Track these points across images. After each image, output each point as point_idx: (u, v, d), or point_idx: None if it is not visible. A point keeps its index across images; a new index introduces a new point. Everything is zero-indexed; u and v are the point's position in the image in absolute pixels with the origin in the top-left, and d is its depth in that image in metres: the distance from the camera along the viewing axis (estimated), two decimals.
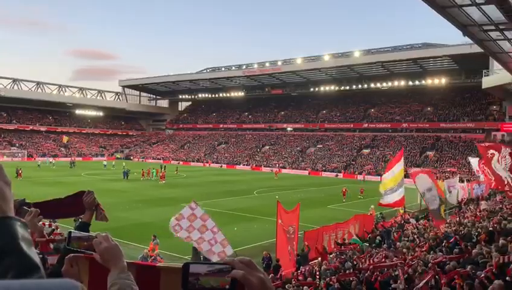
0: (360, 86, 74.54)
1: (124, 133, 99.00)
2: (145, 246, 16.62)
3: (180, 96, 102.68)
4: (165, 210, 28.39)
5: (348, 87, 76.07)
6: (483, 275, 8.46)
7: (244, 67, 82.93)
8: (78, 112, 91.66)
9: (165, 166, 54.91)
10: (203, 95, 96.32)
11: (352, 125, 73.97)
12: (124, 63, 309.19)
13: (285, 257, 15.32)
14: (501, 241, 11.65)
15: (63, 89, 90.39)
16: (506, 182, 21.33)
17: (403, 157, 24.16)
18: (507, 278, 8.08)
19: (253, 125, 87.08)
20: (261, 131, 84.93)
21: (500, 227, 14.55)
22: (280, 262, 14.61)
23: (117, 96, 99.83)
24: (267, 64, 78.88)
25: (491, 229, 14.42)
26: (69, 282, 0.83)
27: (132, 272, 1.60)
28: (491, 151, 21.82)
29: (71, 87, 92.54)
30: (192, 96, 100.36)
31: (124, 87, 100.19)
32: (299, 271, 14.13)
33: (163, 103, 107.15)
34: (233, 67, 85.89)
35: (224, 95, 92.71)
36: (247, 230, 22.66)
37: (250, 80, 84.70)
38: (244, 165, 72.60)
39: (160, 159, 78.33)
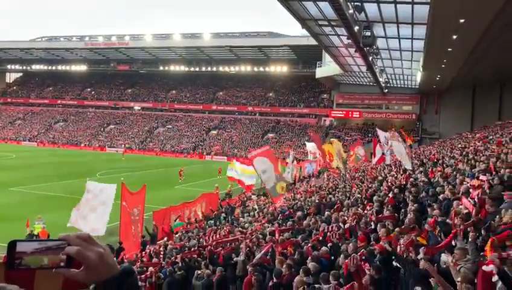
0: (209, 68, 75.76)
1: None
2: None
3: (9, 67, 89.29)
4: None
5: (197, 69, 76.61)
6: (310, 244, 9.54)
7: (87, 39, 76.53)
8: None
9: None
10: (38, 66, 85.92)
11: (201, 107, 74.95)
12: None
13: (129, 239, 14.90)
14: (326, 213, 13.30)
15: None
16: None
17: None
18: (329, 244, 9.27)
19: (97, 102, 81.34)
20: (106, 109, 79.93)
21: (326, 200, 16.58)
22: (123, 245, 14.15)
23: None
24: (114, 38, 74.19)
25: (318, 202, 16.33)
26: None
27: None
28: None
29: None
30: (24, 67, 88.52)
31: None
32: (143, 252, 13.93)
33: None
34: (75, 38, 78.73)
35: (63, 68, 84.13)
36: None
37: (93, 53, 78.52)
38: (85, 145, 67.78)
39: None
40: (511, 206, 6.84)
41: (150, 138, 69.32)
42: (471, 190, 9.02)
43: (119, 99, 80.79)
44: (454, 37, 21.65)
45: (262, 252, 9.75)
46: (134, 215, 15.42)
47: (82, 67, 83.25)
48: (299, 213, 14.47)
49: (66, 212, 14.97)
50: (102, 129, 73.79)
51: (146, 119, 75.38)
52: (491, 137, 22.67)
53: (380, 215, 9.99)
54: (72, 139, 70.53)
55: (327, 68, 51.29)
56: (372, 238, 8.65)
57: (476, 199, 8.00)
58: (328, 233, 9.80)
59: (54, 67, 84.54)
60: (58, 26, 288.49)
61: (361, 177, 23.13)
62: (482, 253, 5.55)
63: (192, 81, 79.09)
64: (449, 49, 24.89)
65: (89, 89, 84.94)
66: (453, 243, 6.55)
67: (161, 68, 79.00)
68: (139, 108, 78.68)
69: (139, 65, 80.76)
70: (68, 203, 23.31)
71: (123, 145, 65.48)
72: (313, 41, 36.26)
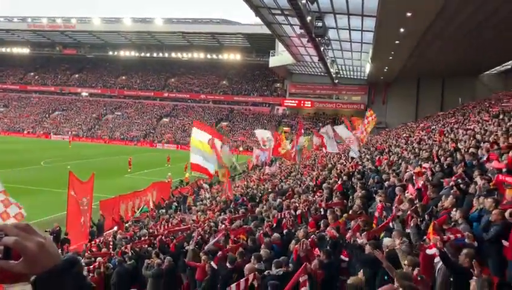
0: (161, 54, 74.01)
1: None
2: None
3: None
4: None
5: (148, 54, 74.68)
6: (262, 231, 9.65)
7: (29, 20, 72.19)
8: None
9: None
10: None
11: (152, 94, 73.24)
12: None
13: (77, 230, 14.42)
14: (278, 199, 13.49)
15: None
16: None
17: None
18: (284, 231, 9.41)
19: (41, 88, 77.28)
20: (51, 94, 76.19)
21: (278, 188, 16.83)
22: (69, 236, 13.67)
23: None
24: (59, 20, 70.63)
25: (271, 190, 16.54)
26: None
27: None
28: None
29: None
30: None
31: None
32: (92, 242, 13.54)
33: None
34: (16, 19, 74.08)
35: (4, 50, 79.08)
36: (33, 205, 20.30)
37: (37, 35, 74.43)
38: (29, 132, 64.49)
39: None
40: (450, 193, 7.26)
41: (98, 125, 67.01)
42: (414, 177, 9.48)
43: (66, 84, 77.25)
44: (402, 30, 22.45)
45: (215, 239, 9.77)
46: (83, 205, 14.93)
47: (24, 50, 78.74)
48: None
49: None
50: (47, 116, 70.42)
51: (94, 106, 72.69)
52: (434, 127, 23.86)
53: (330, 202, 10.27)
54: (13, 126, 66.87)
55: (280, 57, 51.61)
56: (321, 224, 8.88)
57: (420, 186, 8.42)
58: (284, 219, 9.96)
59: None
60: None
61: (312, 165, 23.65)
62: (424, 237, 5.87)
63: (142, 67, 76.96)
64: (396, 42, 25.81)
65: (32, 73, 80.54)
66: (390, 225, 6.87)
67: (110, 53, 76.27)
68: (87, 94, 75.66)
69: (87, 49, 77.53)
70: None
71: (70, 133, 62.89)
72: (266, 30, 36.31)
